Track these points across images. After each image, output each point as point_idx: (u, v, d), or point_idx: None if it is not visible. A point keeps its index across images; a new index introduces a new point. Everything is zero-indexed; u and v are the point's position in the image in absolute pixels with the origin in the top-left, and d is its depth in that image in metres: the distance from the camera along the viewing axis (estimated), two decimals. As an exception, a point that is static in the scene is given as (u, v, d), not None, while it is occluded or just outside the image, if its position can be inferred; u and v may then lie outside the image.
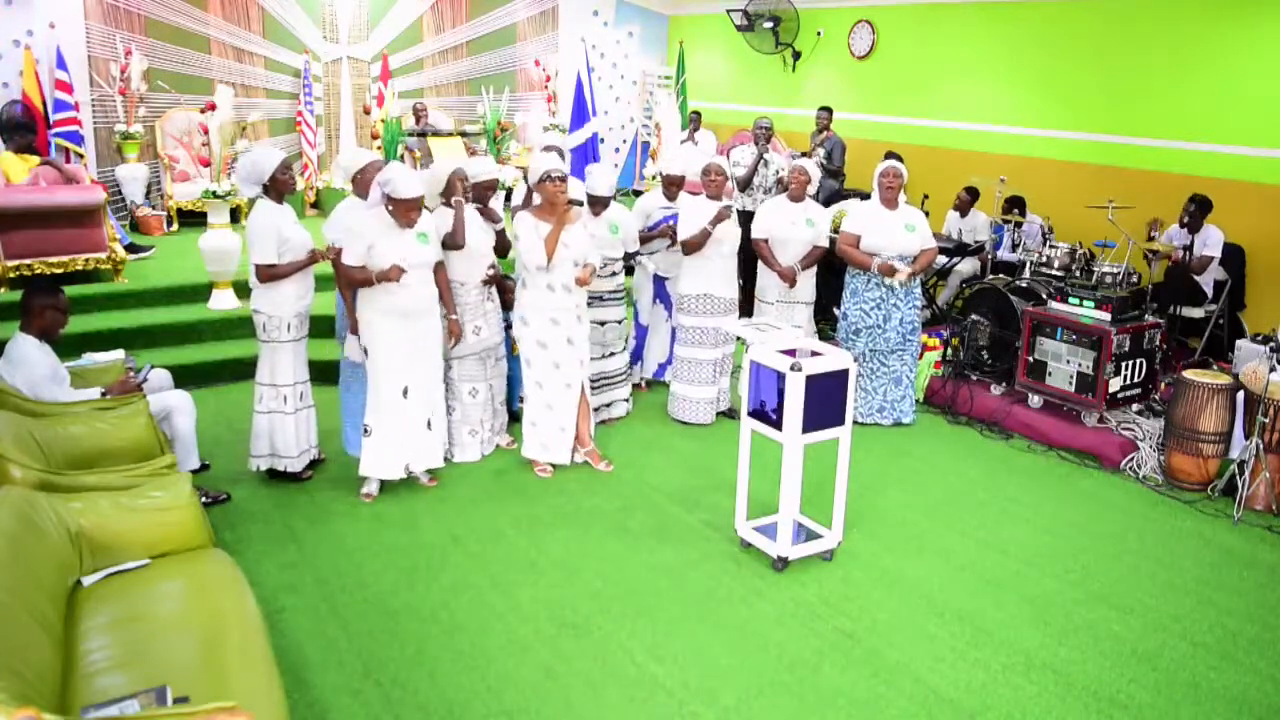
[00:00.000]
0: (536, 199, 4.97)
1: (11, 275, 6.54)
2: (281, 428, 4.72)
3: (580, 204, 4.91)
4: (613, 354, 5.68)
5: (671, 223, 5.78)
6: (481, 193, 5.10)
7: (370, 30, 10.42)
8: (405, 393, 4.61)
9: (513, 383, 5.70)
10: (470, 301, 5.01)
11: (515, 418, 5.78)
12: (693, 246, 5.55)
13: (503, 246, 5.28)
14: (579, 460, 5.16)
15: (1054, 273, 6.31)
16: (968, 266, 7.75)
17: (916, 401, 6.19)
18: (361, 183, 4.74)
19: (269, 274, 4.52)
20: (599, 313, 5.51)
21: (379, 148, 9.26)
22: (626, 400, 5.89)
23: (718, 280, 5.63)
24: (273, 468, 4.79)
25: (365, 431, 4.63)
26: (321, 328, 5.81)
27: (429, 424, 4.74)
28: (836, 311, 6.22)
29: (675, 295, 5.83)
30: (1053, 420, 5.78)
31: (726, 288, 5.68)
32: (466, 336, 5.01)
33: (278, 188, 4.56)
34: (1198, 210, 6.57)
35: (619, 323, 5.68)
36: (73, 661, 2.71)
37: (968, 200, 7.99)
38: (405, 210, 4.44)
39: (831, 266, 6.49)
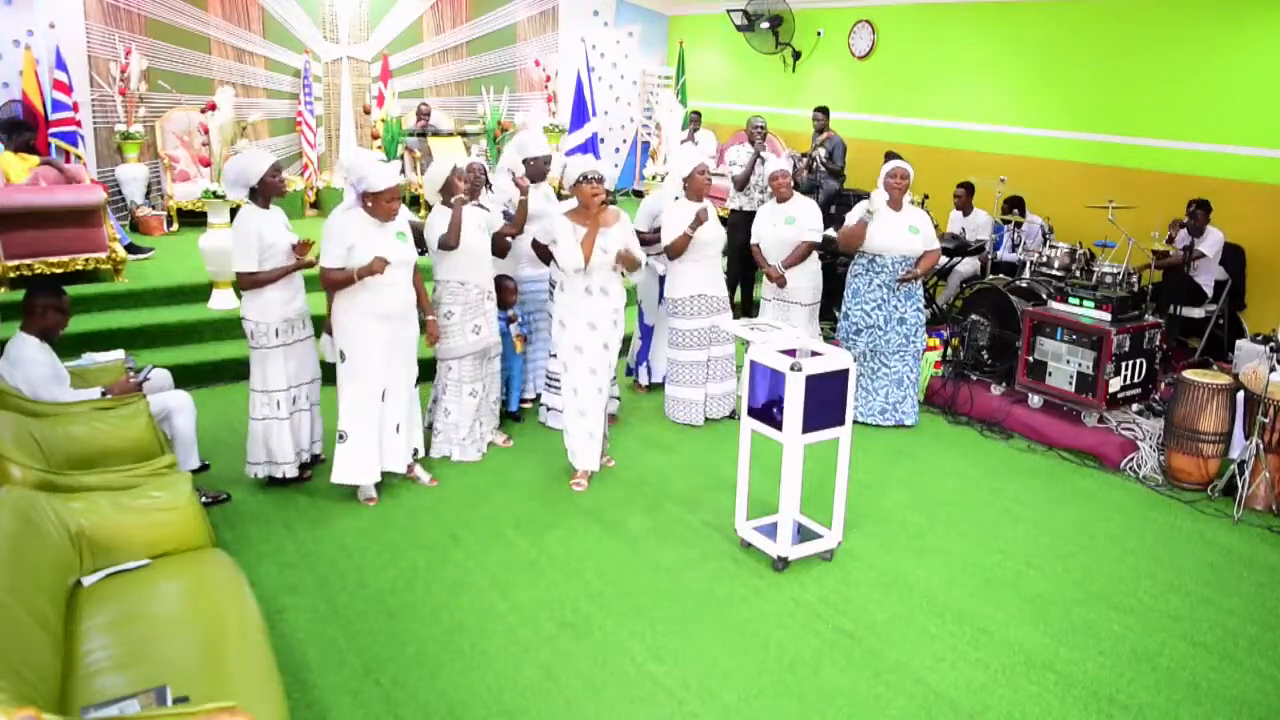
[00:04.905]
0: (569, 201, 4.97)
1: (12, 275, 6.54)
2: (277, 434, 4.67)
3: (613, 202, 4.91)
4: None
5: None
6: (539, 169, 5.45)
7: (370, 30, 10.42)
8: (383, 396, 4.56)
9: (510, 384, 5.70)
10: (470, 300, 5.00)
11: (515, 417, 5.79)
12: (676, 250, 5.57)
13: (501, 248, 5.29)
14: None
15: (1054, 273, 6.31)
16: (968, 266, 7.75)
17: (919, 402, 6.16)
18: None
19: (250, 281, 4.47)
20: None
21: (379, 148, 9.27)
22: (617, 398, 5.89)
23: (709, 280, 5.67)
24: (270, 475, 4.74)
25: (340, 438, 4.53)
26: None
27: (398, 428, 4.66)
28: (837, 313, 6.22)
29: (668, 299, 5.82)
30: (1053, 420, 5.78)
31: (717, 286, 5.73)
32: (466, 335, 5.00)
33: (266, 191, 4.51)
34: (1203, 215, 6.60)
35: None
36: (73, 661, 2.71)
37: (965, 196, 7.99)
38: (385, 202, 4.35)
39: (831, 269, 6.48)
